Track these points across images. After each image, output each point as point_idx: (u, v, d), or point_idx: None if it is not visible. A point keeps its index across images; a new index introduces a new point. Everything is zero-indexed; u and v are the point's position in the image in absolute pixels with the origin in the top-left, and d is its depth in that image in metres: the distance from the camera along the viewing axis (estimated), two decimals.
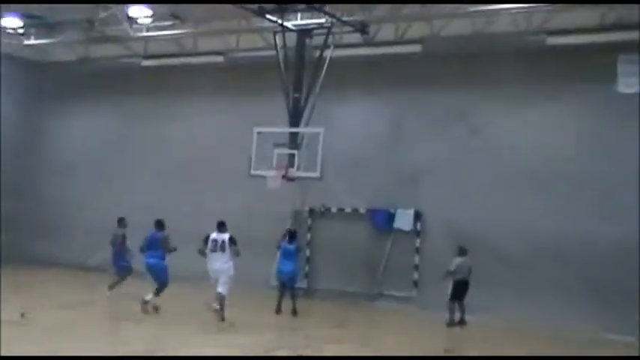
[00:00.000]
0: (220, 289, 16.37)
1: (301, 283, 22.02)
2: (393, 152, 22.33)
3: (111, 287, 19.64)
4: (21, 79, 28.61)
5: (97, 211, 26.90)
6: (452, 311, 19.01)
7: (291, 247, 19.29)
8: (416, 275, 21.67)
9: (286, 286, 19.13)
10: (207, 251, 16.73)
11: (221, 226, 17.01)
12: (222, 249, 16.56)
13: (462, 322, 19.06)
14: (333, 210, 23.08)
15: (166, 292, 17.71)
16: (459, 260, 18.94)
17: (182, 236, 20.96)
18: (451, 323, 18.94)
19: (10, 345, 11.89)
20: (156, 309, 17.29)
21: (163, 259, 17.86)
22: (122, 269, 20.07)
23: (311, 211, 23.31)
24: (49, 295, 20.37)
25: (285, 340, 16.17)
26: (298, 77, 21.27)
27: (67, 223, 27.68)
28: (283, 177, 20.10)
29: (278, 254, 19.42)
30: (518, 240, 20.12)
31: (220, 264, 16.51)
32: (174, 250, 17.91)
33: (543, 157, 20.30)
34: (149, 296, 17.31)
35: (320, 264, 23.07)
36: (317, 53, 21.03)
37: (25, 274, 24.23)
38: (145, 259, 17.95)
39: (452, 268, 18.86)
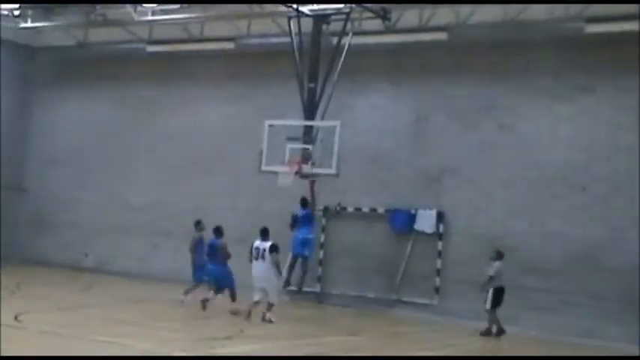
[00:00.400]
0: (270, 299, 17.49)
1: (314, 287, 21.92)
2: (415, 148, 22.31)
3: (187, 292, 19.60)
4: (15, 65, 28.81)
5: (95, 207, 26.95)
6: (493, 321, 18.62)
7: (304, 212, 19.80)
8: (437, 281, 21.61)
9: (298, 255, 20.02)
10: (252, 259, 17.67)
11: (264, 234, 17.80)
12: (263, 257, 17.39)
13: (500, 331, 18.61)
14: (350, 209, 22.95)
15: (172, 295, 17.75)
16: (498, 265, 18.61)
17: (185, 235, 20.96)
18: (487, 333, 18.57)
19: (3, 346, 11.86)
20: (248, 314, 17.68)
21: (224, 264, 18.72)
22: (200, 276, 19.90)
23: (325, 210, 23.16)
24: (46, 296, 20.29)
25: (298, 348, 16.00)
26: (314, 66, 21.04)
27: (64, 219, 27.85)
28: (296, 173, 20.05)
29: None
30: (548, 246, 20.13)
31: (261, 272, 17.42)
32: (230, 256, 18.81)
33: (576, 155, 20.26)
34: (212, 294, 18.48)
35: (334, 267, 23.02)
36: (334, 40, 20.95)
37: (21, 274, 24.26)
38: (205, 264, 19.00)
39: (492, 274, 18.53)
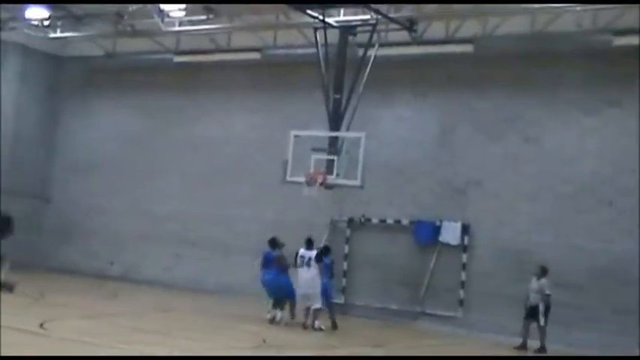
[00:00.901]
0: (314, 305, 18.14)
1: (338, 299, 21.79)
2: (440, 160, 22.27)
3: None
4: (43, 75, 29.06)
5: (120, 215, 27.03)
6: (543, 337, 18.51)
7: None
8: (462, 294, 21.49)
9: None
10: (297, 266, 18.40)
11: (309, 243, 18.58)
12: (309, 265, 18.12)
13: (542, 349, 18.46)
14: (374, 221, 22.86)
15: (196, 303, 17.71)
16: (544, 282, 18.48)
17: (210, 245, 21.04)
18: (543, 349, 18.45)
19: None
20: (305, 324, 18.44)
21: (280, 275, 18.83)
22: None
23: (350, 221, 23.12)
24: (71, 304, 20.32)
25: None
26: (339, 77, 21.16)
27: (89, 227, 28.01)
28: (321, 184, 20.07)
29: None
30: (574, 260, 19.95)
31: (306, 280, 18.15)
32: (289, 266, 18.87)
33: (603, 168, 20.16)
34: (279, 314, 18.73)
35: (358, 278, 22.95)
36: (360, 52, 21.13)
37: (45, 281, 24.31)
38: (262, 276, 19.14)
39: (548, 292, 18.38)
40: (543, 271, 18.59)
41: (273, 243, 19.22)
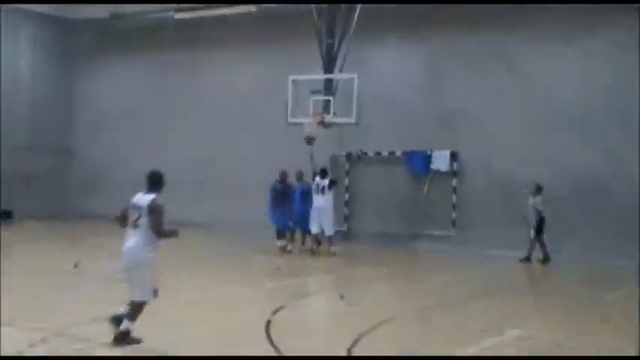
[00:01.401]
0: (326, 231, 19.18)
1: (341, 227, 22.26)
2: (429, 94, 22.22)
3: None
4: (55, 38, 28.89)
5: (138, 164, 27.24)
6: (538, 247, 19.11)
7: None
8: (454, 214, 21.86)
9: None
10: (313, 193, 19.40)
11: (323, 173, 19.49)
12: (323, 192, 19.11)
13: (546, 259, 19.07)
14: (370, 154, 23.10)
15: (213, 238, 18.00)
16: (539, 199, 18.99)
17: (223, 185, 21.36)
18: (529, 259, 19.09)
19: (65, 291, 12.35)
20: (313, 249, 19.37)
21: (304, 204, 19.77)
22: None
23: (348, 155, 23.36)
24: (98, 246, 20.72)
25: (330, 280, 16.45)
26: (331, 24, 21.31)
27: (110, 176, 28.05)
28: (319, 123, 20.36)
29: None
30: (555, 177, 19.92)
31: (320, 205, 19.08)
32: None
33: (580, 92, 20.20)
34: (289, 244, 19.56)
35: (359, 207, 23.24)
36: None
37: (73, 227, 24.71)
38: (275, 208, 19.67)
39: (540, 207, 18.94)
40: (538, 189, 19.06)
41: (323, 172, 19.65)
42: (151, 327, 9.21)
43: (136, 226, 9.24)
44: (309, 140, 19.86)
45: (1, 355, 5.45)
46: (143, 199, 9.38)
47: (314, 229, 19.25)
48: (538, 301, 14.78)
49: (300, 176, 20.19)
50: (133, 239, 9.22)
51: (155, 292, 9.14)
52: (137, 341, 8.99)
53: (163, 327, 9.96)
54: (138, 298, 9.04)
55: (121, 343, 8.86)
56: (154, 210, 9.21)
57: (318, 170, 19.66)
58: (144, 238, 9.16)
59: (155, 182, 9.67)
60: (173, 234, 9.31)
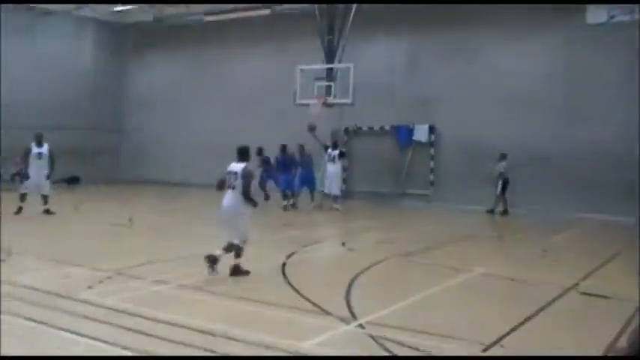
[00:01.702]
0: (333, 192, 19.34)
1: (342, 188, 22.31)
2: (410, 80, 22.29)
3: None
4: (110, 39, 29.10)
5: (176, 137, 27.51)
6: (500, 203, 19.23)
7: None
8: (432, 177, 21.92)
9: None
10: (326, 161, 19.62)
11: (335, 145, 19.75)
12: (334, 161, 19.37)
13: (505, 212, 19.20)
14: (364, 129, 23.15)
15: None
16: (504, 164, 19.06)
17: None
18: (493, 212, 19.25)
19: (119, 245, 12.47)
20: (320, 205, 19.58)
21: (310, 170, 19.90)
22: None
23: (346, 130, 23.38)
24: (147, 204, 20.98)
25: (331, 230, 16.54)
26: (331, 23, 21.24)
27: (154, 148, 28.31)
28: (323, 104, 20.39)
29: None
30: (514, 147, 19.90)
31: (332, 172, 19.37)
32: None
33: (528, 79, 20.30)
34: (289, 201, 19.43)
35: (355, 172, 23.24)
36: (345, 2, 20.86)
37: (125, 191, 24.93)
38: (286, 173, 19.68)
39: (502, 170, 19.03)
40: (502, 156, 19.22)
41: (335, 145, 19.82)
42: (203, 264, 9.38)
43: (232, 187, 9.53)
44: (311, 128, 19.71)
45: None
46: (237, 166, 9.64)
47: (326, 189, 19.41)
48: (498, 244, 14.92)
49: (301, 149, 20.01)
50: (230, 198, 9.56)
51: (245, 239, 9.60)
52: (246, 272, 9.55)
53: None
54: (238, 241, 9.52)
55: (236, 274, 9.43)
56: (246, 175, 9.52)
57: (330, 144, 19.74)
58: (238, 197, 9.47)
59: (244, 154, 9.87)
60: (253, 203, 9.60)
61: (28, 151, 15.95)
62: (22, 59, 25.06)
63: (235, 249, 9.55)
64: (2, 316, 7.13)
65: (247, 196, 9.44)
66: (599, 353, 6.46)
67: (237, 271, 9.52)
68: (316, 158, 20.41)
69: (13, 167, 16.57)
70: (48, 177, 16.13)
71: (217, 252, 9.43)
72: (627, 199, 17.97)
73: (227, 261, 9.55)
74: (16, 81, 24.31)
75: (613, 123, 18.78)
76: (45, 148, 16.06)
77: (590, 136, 19.08)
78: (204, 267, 9.36)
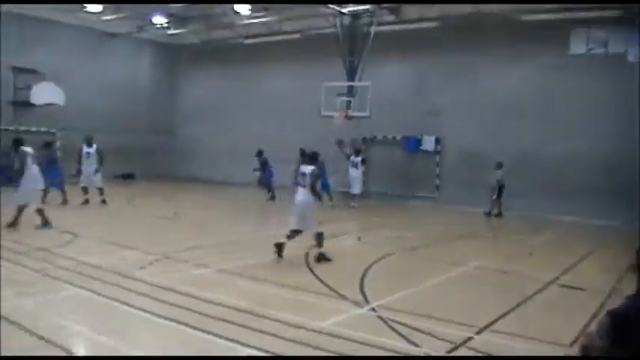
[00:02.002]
0: (354, 191, 19.37)
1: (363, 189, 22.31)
2: (419, 97, 22.03)
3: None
4: (164, 58, 29.23)
5: (219, 142, 27.68)
6: (495, 206, 18.97)
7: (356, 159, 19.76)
8: (437, 181, 21.76)
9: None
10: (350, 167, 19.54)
11: (357, 152, 19.72)
12: (356, 166, 19.47)
13: (500, 214, 18.99)
14: (379, 138, 22.97)
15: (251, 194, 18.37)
16: (500, 172, 18.86)
17: (275, 155, 21.43)
18: (489, 214, 19.01)
19: (166, 234, 12.61)
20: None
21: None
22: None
23: (364, 139, 23.18)
24: (193, 200, 21.05)
25: (348, 226, 16.54)
26: (352, 47, 21.34)
27: (200, 152, 28.47)
28: (344, 117, 20.47)
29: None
30: (508, 156, 19.72)
31: (354, 175, 19.44)
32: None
33: (520, 96, 20.01)
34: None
35: (371, 176, 22.94)
36: (365, 29, 20.99)
37: (176, 186, 25.04)
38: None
39: (499, 178, 18.81)
40: (498, 165, 18.94)
41: (357, 152, 19.81)
42: (237, 253, 9.48)
43: (304, 185, 10.03)
44: (339, 143, 19.95)
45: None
46: (308, 168, 10.19)
47: (351, 190, 19.44)
48: (491, 242, 14.82)
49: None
50: (302, 194, 10.04)
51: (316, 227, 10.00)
52: (329, 259, 9.92)
53: (245, 255, 10.20)
54: (315, 230, 10.05)
55: (320, 261, 9.84)
56: (315, 176, 10.08)
57: (353, 152, 19.80)
58: (309, 193, 10.01)
59: (313, 158, 10.58)
60: (319, 197, 10.41)
61: (80, 151, 16.51)
62: (90, 75, 25.41)
63: (317, 238, 9.96)
64: (74, 289, 7.33)
65: (314, 192, 9.99)
66: (574, 336, 6.46)
67: (321, 257, 9.90)
68: (336, 165, 20.35)
69: (76, 164, 16.93)
70: (97, 172, 16.48)
71: (283, 239, 9.96)
72: (608, 203, 17.80)
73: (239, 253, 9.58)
74: (83, 91, 24.61)
75: (591, 135, 18.63)
76: (93, 148, 16.53)
77: (574, 147, 18.87)
78: (246, 253, 9.39)
